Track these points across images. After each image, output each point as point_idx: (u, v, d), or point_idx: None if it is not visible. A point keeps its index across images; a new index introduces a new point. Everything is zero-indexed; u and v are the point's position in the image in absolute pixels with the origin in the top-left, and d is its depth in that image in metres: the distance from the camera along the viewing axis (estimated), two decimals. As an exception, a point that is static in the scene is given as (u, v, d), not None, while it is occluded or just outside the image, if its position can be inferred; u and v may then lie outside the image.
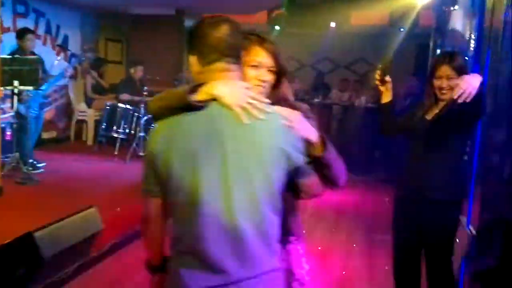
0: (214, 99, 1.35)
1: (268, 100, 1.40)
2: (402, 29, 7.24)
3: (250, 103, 1.34)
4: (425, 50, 6.50)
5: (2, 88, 4.77)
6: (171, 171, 1.35)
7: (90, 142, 7.81)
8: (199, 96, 1.35)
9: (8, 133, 5.60)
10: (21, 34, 5.71)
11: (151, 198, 1.44)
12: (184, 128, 1.37)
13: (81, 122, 8.02)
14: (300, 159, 1.40)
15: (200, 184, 1.33)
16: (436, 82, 2.48)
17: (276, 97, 1.60)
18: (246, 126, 1.33)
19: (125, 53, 9.45)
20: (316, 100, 8.24)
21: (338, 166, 1.50)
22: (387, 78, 2.55)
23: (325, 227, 4.79)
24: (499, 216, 2.70)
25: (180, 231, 1.39)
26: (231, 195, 1.32)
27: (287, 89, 1.70)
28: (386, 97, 2.61)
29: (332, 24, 8.19)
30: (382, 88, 2.59)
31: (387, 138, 4.17)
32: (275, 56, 1.62)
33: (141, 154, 6.38)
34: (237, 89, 1.36)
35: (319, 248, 4.10)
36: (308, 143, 1.42)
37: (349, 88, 8.91)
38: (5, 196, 4.56)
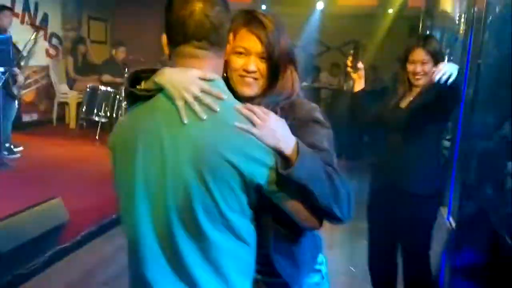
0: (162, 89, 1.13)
1: (223, 95, 1.12)
2: (390, 11, 7.07)
3: (196, 97, 1.09)
4: (415, 33, 6.35)
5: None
6: (114, 170, 1.21)
7: (72, 125, 7.64)
8: (146, 84, 1.17)
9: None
10: (-4, 11, 5.49)
11: None
12: (128, 121, 1.21)
13: (63, 105, 7.83)
14: (261, 175, 1.09)
15: (133, 189, 1.14)
16: (410, 67, 2.36)
17: (274, 92, 1.29)
18: (185, 125, 1.08)
19: (109, 33, 9.20)
20: (304, 83, 8.08)
21: (327, 191, 1.12)
22: (359, 64, 2.40)
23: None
24: (481, 207, 2.60)
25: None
26: (164, 206, 1.11)
27: (291, 83, 1.32)
28: (358, 85, 2.46)
29: (320, 5, 7.99)
30: (354, 76, 2.44)
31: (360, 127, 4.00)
32: (268, 41, 1.25)
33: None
34: (185, 79, 1.11)
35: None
36: (280, 154, 1.10)
37: (340, 72, 8.76)
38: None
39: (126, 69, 6.73)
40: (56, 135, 6.98)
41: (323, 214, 1.16)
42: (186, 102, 1.09)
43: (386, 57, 7.03)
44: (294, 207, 1.14)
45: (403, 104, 2.41)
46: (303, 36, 9.74)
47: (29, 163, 5.32)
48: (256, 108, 1.12)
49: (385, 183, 2.48)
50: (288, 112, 1.26)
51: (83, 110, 6.81)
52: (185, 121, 1.08)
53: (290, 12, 8.10)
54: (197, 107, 1.08)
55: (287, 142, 1.11)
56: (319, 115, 1.28)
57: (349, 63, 2.41)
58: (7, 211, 2.73)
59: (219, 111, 1.09)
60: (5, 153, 5.19)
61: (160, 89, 1.13)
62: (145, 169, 1.13)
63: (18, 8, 7.03)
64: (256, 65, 1.26)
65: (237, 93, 1.26)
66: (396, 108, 2.42)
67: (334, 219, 1.16)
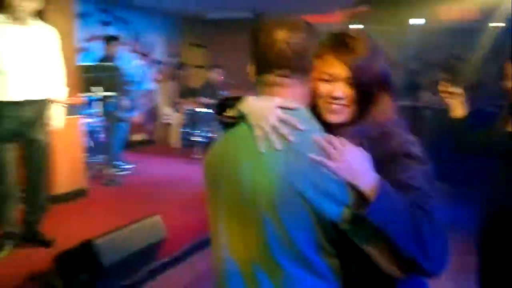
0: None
1: (300, 125, 1.07)
2: (494, 25, 6.55)
3: (273, 127, 1.06)
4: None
5: (83, 94, 5.03)
6: (206, 191, 1.24)
7: (174, 145, 8.08)
8: (231, 111, 1.19)
9: (97, 136, 5.94)
10: (108, 41, 6.04)
11: None
12: (216, 146, 1.24)
13: (167, 125, 8.35)
14: (334, 211, 1.02)
15: (216, 213, 1.16)
16: (509, 84, 2.10)
17: (364, 121, 1.18)
18: (262, 154, 1.07)
19: (206, 57, 9.68)
20: (405, 102, 7.72)
21: (410, 238, 0.98)
22: (457, 90, 2.16)
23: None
24: None
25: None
26: (242, 234, 1.10)
27: (383, 111, 1.19)
28: (458, 111, 2.20)
29: (420, 20, 7.66)
30: (451, 101, 2.19)
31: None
32: (355, 66, 1.16)
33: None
34: (265, 108, 1.10)
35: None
36: (357, 191, 1.02)
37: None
38: (89, 197, 4.82)
39: (222, 92, 7.02)
40: (160, 154, 7.41)
41: (406, 262, 1.01)
42: (262, 131, 1.08)
43: (490, 74, 6.52)
44: (372, 250, 1.04)
45: (510, 127, 2.12)
46: (403, 53, 9.41)
47: (135, 180, 5.69)
48: (335, 139, 1.07)
49: (497, 222, 2.17)
50: (378, 143, 1.15)
51: (185, 130, 7.20)
52: (261, 150, 1.07)
53: (389, 29, 7.87)
54: (273, 136, 1.06)
55: (365, 178, 1.02)
56: (414, 149, 1.13)
57: (443, 88, 2.19)
58: (114, 224, 2.93)
59: (295, 141, 1.06)
60: (115, 170, 5.62)
61: (243, 116, 1.14)
62: (226, 195, 1.14)
63: (126, 38, 7.68)
64: (343, 91, 1.17)
65: (324, 120, 1.19)
66: (502, 133, 2.13)
67: (420, 270, 1.01)
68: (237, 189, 1.11)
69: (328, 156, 1.04)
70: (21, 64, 3.14)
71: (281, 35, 1.09)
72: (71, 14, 4.71)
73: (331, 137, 1.08)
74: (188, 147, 7.35)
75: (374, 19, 7.51)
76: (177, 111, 8.16)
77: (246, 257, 1.10)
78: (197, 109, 7.13)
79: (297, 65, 1.11)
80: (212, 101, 7.08)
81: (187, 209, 4.43)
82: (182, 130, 7.26)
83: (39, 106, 3.29)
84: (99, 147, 5.87)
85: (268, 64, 1.12)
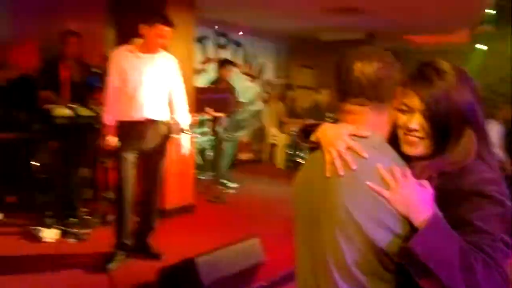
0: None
1: (366, 154, 1.09)
2: None
3: (340, 152, 1.11)
4: None
5: (197, 114, 5.28)
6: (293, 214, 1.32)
7: (280, 165, 8.13)
8: (312, 137, 1.25)
9: (206, 153, 6.20)
10: (222, 64, 6.31)
11: None
12: (300, 169, 1.32)
13: (273, 145, 8.46)
14: (385, 240, 1.03)
15: (297, 234, 1.26)
16: None
17: (442, 155, 1.15)
18: (328, 179, 1.12)
19: (315, 78, 9.67)
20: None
21: (458, 280, 0.95)
22: None
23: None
24: None
25: None
26: (311, 254, 1.19)
27: (464, 146, 1.13)
28: None
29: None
30: None
31: None
32: (431, 99, 1.13)
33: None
34: (335, 134, 1.16)
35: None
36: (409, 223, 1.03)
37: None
38: (196, 213, 5.00)
39: (329, 113, 6.91)
40: (265, 174, 7.50)
41: None
42: (331, 156, 1.13)
43: None
44: (422, 284, 1.03)
45: None
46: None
47: (240, 199, 5.80)
48: (396, 170, 1.07)
49: None
50: (453, 179, 1.10)
51: (290, 152, 7.21)
52: (327, 175, 1.13)
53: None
54: (338, 162, 1.11)
55: (419, 211, 1.02)
56: (492, 188, 1.07)
57: None
58: (216, 242, 2.98)
59: (358, 168, 1.09)
60: (222, 188, 5.79)
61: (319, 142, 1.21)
62: (301, 216, 1.23)
63: (239, 60, 7.99)
64: (419, 123, 1.15)
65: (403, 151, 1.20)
66: None
67: None
68: (309, 212, 1.19)
69: (387, 186, 1.05)
70: (147, 89, 3.41)
71: (358, 65, 1.14)
72: (190, 39, 5.02)
73: (394, 167, 1.08)
74: (292, 168, 7.35)
75: (498, 39, 6.90)
76: (283, 131, 8.23)
77: (312, 279, 1.18)
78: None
79: (373, 94, 1.14)
80: (319, 123, 7.02)
81: (290, 232, 4.37)
82: (287, 151, 7.28)
83: (162, 127, 3.52)
84: (208, 164, 6.11)
85: (345, 93, 1.17)
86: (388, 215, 1.04)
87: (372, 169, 1.09)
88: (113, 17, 5.26)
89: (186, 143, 3.63)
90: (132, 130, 3.41)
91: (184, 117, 3.64)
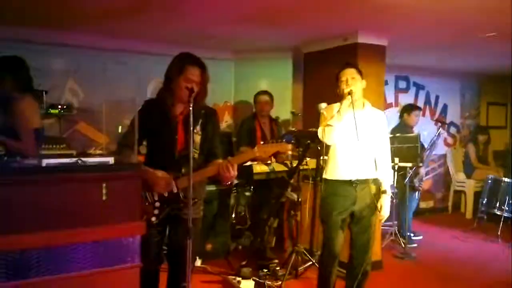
0: None
1: None
2: None
3: None
4: None
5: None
6: None
7: (468, 215, 7.33)
8: None
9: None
10: (408, 110, 6.00)
11: None
12: None
13: (459, 193, 7.69)
14: None
15: None
16: None
17: None
18: None
19: (509, 117, 8.59)
20: None
21: None
22: None
23: None
24: None
25: None
26: None
27: None
28: None
29: None
30: None
31: None
32: None
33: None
34: None
35: None
36: None
37: None
38: (384, 269, 4.71)
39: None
40: (451, 224, 6.79)
41: None
42: None
43: None
44: None
45: None
46: None
47: (426, 255, 5.32)
48: None
49: None
50: None
51: (483, 201, 6.42)
52: None
53: None
54: None
55: None
56: None
57: None
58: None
59: None
60: (406, 242, 5.38)
61: None
62: None
63: (420, 103, 7.49)
64: None
65: None
66: None
67: None
68: None
69: None
70: (357, 146, 3.18)
71: None
72: (381, 89, 4.86)
73: None
74: (485, 221, 6.53)
75: None
76: (472, 178, 7.42)
77: None
78: (500, 178, 6.29)
79: None
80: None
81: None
82: (481, 200, 6.49)
83: (369, 185, 3.25)
84: (391, 216, 5.78)
85: None
86: None
87: None
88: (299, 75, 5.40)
89: (387, 205, 3.30)
90: (341, 190, 3.25)
91: (388, 175, 3.36)
